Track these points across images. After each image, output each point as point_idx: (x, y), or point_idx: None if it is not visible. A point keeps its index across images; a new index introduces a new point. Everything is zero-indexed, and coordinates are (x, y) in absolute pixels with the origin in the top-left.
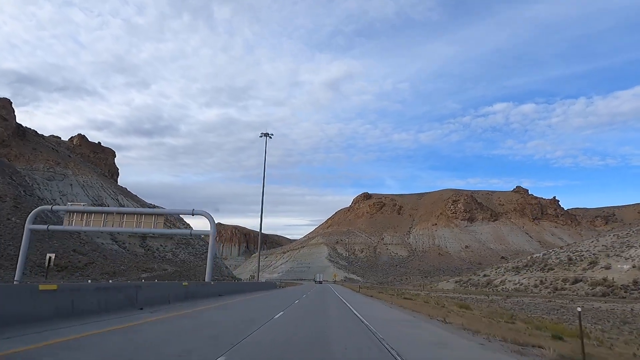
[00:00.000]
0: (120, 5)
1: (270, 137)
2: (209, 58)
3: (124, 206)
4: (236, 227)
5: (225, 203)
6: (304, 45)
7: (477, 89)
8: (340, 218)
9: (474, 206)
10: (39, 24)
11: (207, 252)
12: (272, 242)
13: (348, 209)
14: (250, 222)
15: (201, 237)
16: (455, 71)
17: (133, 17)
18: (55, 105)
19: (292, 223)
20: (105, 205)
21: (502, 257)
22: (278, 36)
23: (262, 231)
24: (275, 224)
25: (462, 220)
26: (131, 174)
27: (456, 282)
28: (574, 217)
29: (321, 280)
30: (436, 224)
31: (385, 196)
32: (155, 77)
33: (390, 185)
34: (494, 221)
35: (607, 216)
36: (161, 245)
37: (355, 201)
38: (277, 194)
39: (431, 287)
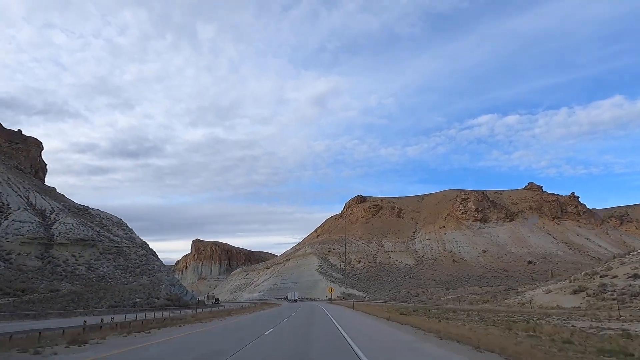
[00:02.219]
0: (102, 26)
1: None
2: (193, 78)
3: (35, 206)
4: (217, 244)
5: (212, 224)
6: (288, 63)
7: (462, 102)
8: (331, 226)
9: (486, 205)
10: (19, 47)
11: (146, 263)
12: (258, 260)
13: (340, 216)
14: (238, 242)
15: (142, 245)
16: (440, 85)
17: (115, 38)
18: (36, 129)
19: (282, 241)
20: (4, 204)
21: (530, 262)
22: (263, 54)
23: (248, 247)
24: (265, 242)
25: (473, 221)
26: (117, 197)
27: (577, 291)
28: (597, 215)
29: (296, 298)
30: (444, 227)
31: (382, 199)
32: (139, 98)
33: None
34: (509, 221)
35: (621, 216)
36: (73, 256)
37: (348, 206)
38: (265, 213)
39: (519, 304)
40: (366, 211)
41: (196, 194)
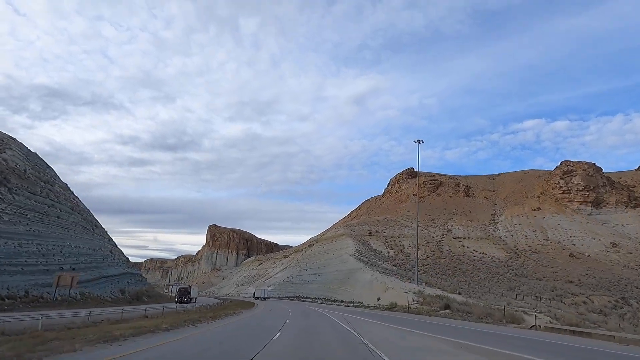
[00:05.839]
0: (148, 19)
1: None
2: (234, 72)
3: None
4: (234, 231)
5: (246, 219)
6: (329, 60)
7: (507, 105)
8: (371, 206)
9: (600, 182)
10: (70, 39)
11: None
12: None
13: (382, 196)
14: (272, 239)
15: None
16: (485, 87)
17: (160, 31)
18: (83, 119)
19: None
20: None
21: None
22: (304, 50)
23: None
24: (295, 240)
25: (581, 203)
26: (155, 189)
27: None
28: None
29: (265, 295)
30: (539, 209)
31: (441, 175)
32: (181, 92)
33: None
34: (633, 207)
35: None
36: None
37: (393, 182)
38: (298, 211)
39: None
40: (421, 188)
41: (231, 189)
